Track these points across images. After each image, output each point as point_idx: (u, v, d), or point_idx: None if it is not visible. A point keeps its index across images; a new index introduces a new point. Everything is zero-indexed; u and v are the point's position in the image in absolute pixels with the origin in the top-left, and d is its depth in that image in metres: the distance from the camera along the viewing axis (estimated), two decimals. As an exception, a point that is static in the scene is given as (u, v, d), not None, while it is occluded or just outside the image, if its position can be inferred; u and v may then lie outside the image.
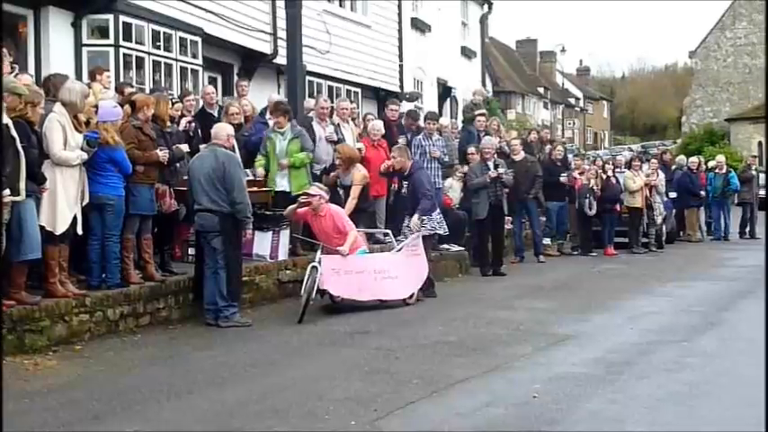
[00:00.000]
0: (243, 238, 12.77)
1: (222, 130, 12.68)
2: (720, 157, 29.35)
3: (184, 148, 13.32)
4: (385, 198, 17.01)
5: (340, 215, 13.82)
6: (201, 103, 16.24)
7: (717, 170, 27.61)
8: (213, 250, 12.19)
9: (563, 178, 21.24)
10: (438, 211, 15.35)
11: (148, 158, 12.11)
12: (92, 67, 15.03)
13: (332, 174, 15.74)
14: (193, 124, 14.68)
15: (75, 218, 10.93)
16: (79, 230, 11.09)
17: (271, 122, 15.48)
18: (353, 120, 18.04)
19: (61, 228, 10.71)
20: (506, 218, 18.90)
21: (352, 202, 15.15)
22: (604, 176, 22.44)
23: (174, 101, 14.69)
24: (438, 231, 15.21)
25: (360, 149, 16.47)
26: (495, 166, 17.85)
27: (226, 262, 12.19)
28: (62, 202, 10.72)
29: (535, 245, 20.89)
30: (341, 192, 15.69)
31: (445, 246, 17.62)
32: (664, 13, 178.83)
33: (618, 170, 23.64)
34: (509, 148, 21.01)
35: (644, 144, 75.21)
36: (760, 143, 51.70)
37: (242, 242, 12.83)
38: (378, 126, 17.40)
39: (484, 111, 21.03)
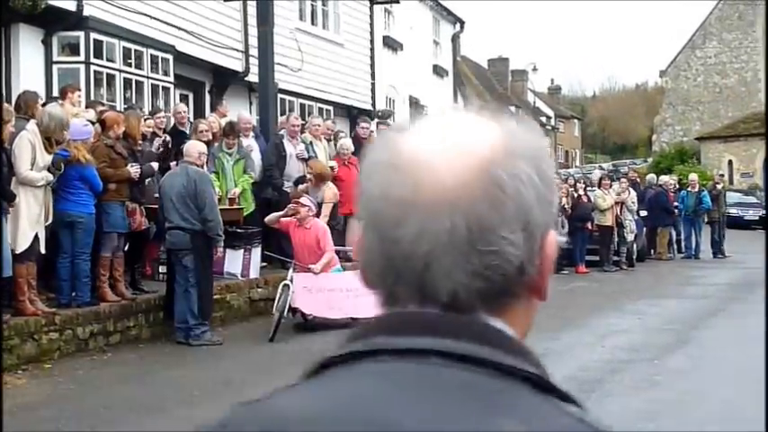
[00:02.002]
0: (214, 256, 12.73)
1: (194, 148, 12.65)
2: (693, 176, 29.50)
3: (155, 165, 13.29)
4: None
5: (325, 233, 13.79)
6: (173, 120, 16.19)
7: (689, 188, 27.76)
8: (184, 268, 12.15)
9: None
10: None
11: (120, 176, 12.07)
12: (63, 85, 14.96)
13: (300, 187, 15.66)
14: (168, 138, 14.66)
15: (37, 237, 10.85)
16: (42, 249, 11.01)
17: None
18: (330, 140, 17.99)
19: (21, 246, 10.64)
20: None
21: (323, 221, 15.13)
22: (575, 195, 22.52)
23: (146, 118, 14.66)
24: None
25: (332, 167, 16.46)
26: None
27: (197, 280, 12.15)
28: (24, 221, 10.67)
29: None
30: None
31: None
32: (634, 33, 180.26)
33: (589, 188, 23.74)
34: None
35: (615, 163, 75.58)
36: (730, 162, 52.01)
37: (213, 260, 12.79)
38: (347, 144, 17.42)
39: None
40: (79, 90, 14.36)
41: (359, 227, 1.19)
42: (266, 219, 14.16)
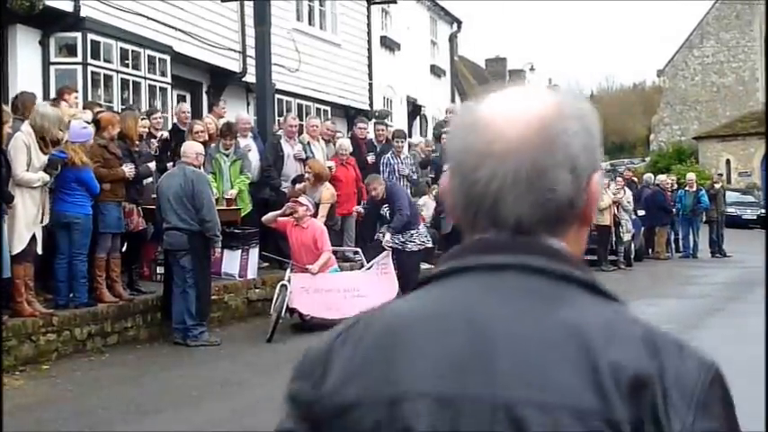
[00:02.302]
0: (212, 257, 12.71)
1: (191, 149, 12.66)
2: (691, 175, 29.50)
3: (152, 166, 13.28)
4: (354, 216, 17.00)
5: (322, 233, 13.78)
6: (174, 120, 16.20)
7: (687, 188, 27.75)
8: (182, 269, 12.14)
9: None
10: (421, 224, 15.36)
11: (114, 176, 12.05)
12: (60, 86, 14.94)
13: (297, 186, 15.63)
14: (166, 134, 14.66)
15: (34, 237, 10.84)
16: (39, 250, 11.00)
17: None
18: (329, 140, 17.95)
19: (18, 247, 10.62)
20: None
21: (320, 221, 15.13)
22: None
23: (142, 118, 14.64)
24: (428, 245, 15.22)
25: (330, 168, 16.45)
26: None
27: (194, 281, 12.14)
28: (20, 222, 10.65)
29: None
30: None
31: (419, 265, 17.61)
32: (632, 32, 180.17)
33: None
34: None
35: (613, 162, 75.53)
36: (728, 161, 52.04)
37: (211, 261, 12.77)
38: (345, 145, 17.41)
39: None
40: (76, 91, 14.35)
41: (447, 175, 1.58)
42: (263, 218, 14.14)
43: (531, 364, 1.40)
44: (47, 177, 10.89)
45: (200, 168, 12.75)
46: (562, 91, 1.65)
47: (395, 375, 1.44)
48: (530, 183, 1.48)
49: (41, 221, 10.99)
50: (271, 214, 13.97)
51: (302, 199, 13.87)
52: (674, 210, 26.80)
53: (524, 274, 1.48)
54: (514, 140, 1.49)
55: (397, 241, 14.54)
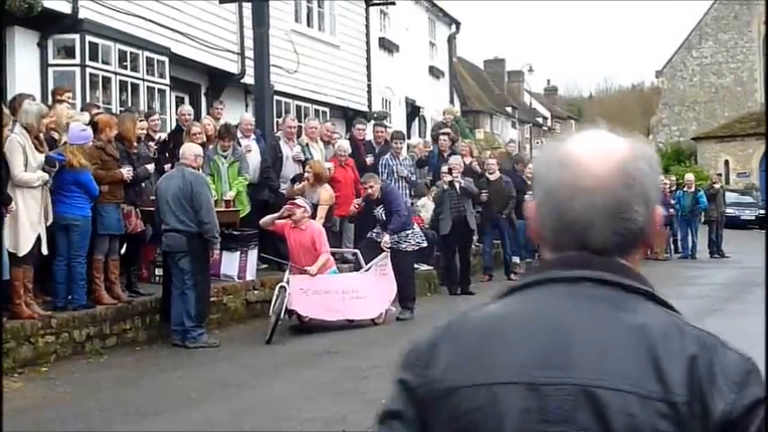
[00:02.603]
0: (211, 259, 12.69)
1: (189, 150, 12.66)
2: (689, 176, 29.52)
3: (150, 167, 13.27)
4: (355, 208, 16.97)
5: (321, 234, 13.76)
6: (175, 121, 16.18)
7: (686, 188, 27.75)
8: (180, 271, 12.13)
9: (528, 197, 21.18)
10: (415, 224, 15.35)
11: (112, 178, 12.04)
12: (55, 87, 14.92)
13: (296, 186, 15.63)
14: (164, 135, 14.65)
15: (39, 238, 10.83)
16: (44, 250, 11.00)
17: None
18: (329, 142, 17.92)
19: (24, 249, 10.62)
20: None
21: (319, 222, 15.11)
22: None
23: (140, 120, 14.63)
24: (423, 245, 15.21)
25: (328, 169, 16.44)
26: (449, 171, 17.85)
27: (193, 282, 12.13)
28: (24, 224, 10.64)
29: (506, 263, 20.89)
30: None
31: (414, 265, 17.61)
32: (630, 33, 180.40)
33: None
34: (480, 168, 21.17)
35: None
36: (726, 162, 52.08)
37: (210, 262, 12.76)
38: (344, 146, 17.39)
39: (447, 130, 21.02)
40: (68, 91, 14.21)
41: (533, 202, 1.92)
42: (261, 221, 14.12)
43: (605, 356, 1.75)
44: (46, 176, 10.88)
45: (198, 170, 12.74)
46: (633, 137, 1.96)
47: (491, 365, 1.79)
48: (615, 214, 1.83)
49: (45, 221, 10.98)
50: (268, 217, 13.94)
51: (299, 201, 13.85)
52: (672, 210, 26.77)
53: (599, 285, 1.83)
54: (601, 177, 1.83)
55: (392, 242, 14.54)
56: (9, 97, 13.18)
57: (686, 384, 1.73)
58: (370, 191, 14.89)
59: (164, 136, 15.41)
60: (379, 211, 14.89)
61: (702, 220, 28.14)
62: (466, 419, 1.78)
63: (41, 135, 11.14)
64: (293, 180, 15.90)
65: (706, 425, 1.72)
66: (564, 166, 1.86)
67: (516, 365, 1.77)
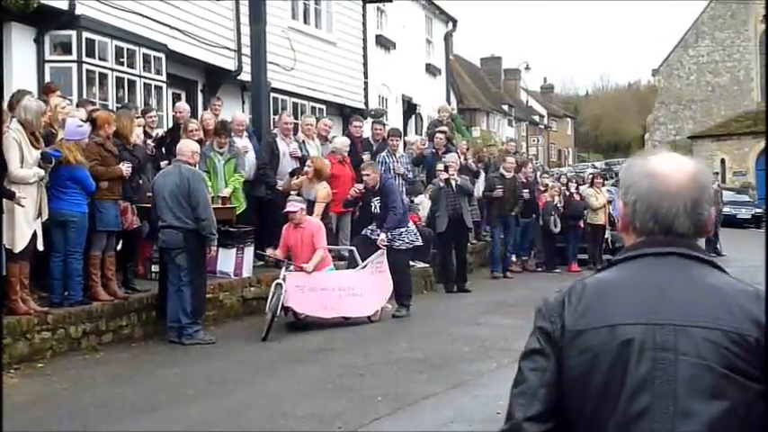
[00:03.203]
0: (207, 256, 12.69)
1: (187, 147, 12.68)
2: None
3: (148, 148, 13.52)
4: (350, 215, 16.98)
5: (320, 229, 13.80)
6: (172, 118, 16.18)
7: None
8: (177, 267, 12.14)
9: (525, 194, 21.20)
10: (410, 222, 15.35)
11: (111, 174, 12.04)
12: (47, 83, 14.87)
13: (294, 181, 15.60)
14: (161, 132, 14.63)
15: (35, 234, 10.83)
16: (40, 246, 10.99)
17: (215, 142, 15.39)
18: (326, 138, 17.91)
19: (20, 245, 10.61)
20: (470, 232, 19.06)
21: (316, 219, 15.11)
22: (567, 193, 22.52)
23: (137, 116, 14.63)
24: (416, 243, 15.21)
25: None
26: (445, 169, 17.90)
27: (190, 279, 12.15)
28: (20, 220, 10.62)
29: (504, 260, 20.96)
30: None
31: (410, 262, 17.59)
32: (627, 32, 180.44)
33: (581, 186, 23.74)
34: (476, 165, 21.29)
35: (608, 161, 75.68)
36: (723, 160, 52.14)
37: (206, 259, 12.76)
38: (345, 143, 17.40)
39: (443, 128, 21.06)
40: (54, 91, 14.09)
41: (624, 202, 2.71)
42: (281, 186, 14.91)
43: (692, 305, 2.54)
44: (42, 172, 10.87)
45: (195, 166, 12.75)
46: (693, 158, 2.80)
47: (610, 313, 2.57)
48: (693, 209, 2.64)
49: (40, 217, 10.97)
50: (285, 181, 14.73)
51: (290, 207, 13.80)
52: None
53: (681, 258, 2.63)
54: (682, 186, 2.64)
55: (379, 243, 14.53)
56: (6, 93, 13.20)
57: (751, 322, 2.50)
58: (366, 179, 14.92)
59: (161, 132, 15.41)
60: (375, 203, 14.90)
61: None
62: (592, 351, 2.55)
63: (38, 131, 11.11)
64: (292, 173, 15.88)
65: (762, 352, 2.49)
66: (654, 178, 2.67)
67: (628, 312, 2.56)
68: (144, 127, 14.63)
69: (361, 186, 15.31)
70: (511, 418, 2.64)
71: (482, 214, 21.35)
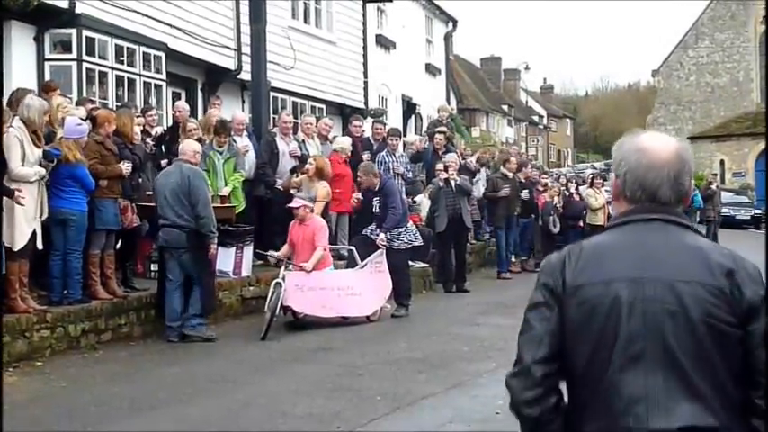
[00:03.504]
0: (209, 254, 12.67)
1: (189, 147, 12.72)
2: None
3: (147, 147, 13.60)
4: (348, 215, 16.98)
5: (321, 229, 13.82)
6: (166, 118, 16.17)
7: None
8: (181, 266, 12.18)
9: (524, 195, 21.24)
10: (410, 222, 15.34)
11: (111, 173, 12.04)
12: (47, 82, 14.86)
13: (294, 179, 15.59)
14: (161, 130, 14.61)
15: (34, 233, 10.82)
16: (39, 245, 10.98)
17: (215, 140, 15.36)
18: (326, 138, 17.90)
19: (19, 244, 10.61)
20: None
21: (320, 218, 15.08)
22: (567, 194, 22.52)
23: (137, 115, 14.63)
24: (415, 243, 15.19)
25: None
26: (445, 169, 17.93)
27: (199, 277, 12.26)
28: (20, 218, 10.61)
29: (505, 259, 21.00)
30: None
31: (410, 262, 17.58)
32: (627, 33, 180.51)
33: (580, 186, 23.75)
34: (475, 165, 21.33)
35: (607, 162, 75.56)
36: (722, 161, 52.16)
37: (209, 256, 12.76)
38: (349, 142, 17.45)
39: (443, 129, 21.06)
40: (56, 88, 14.08)
41: (616, 174, 3.13)
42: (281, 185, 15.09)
43: (677, 263, 2.96)
44: (43, 171, 10.87)
45: (197, 166, 12.75)
46: (676, 137, 3.32)
47: (604, 270, 3.00)
48: (674, 182, 3.07)
49: (40, 216, 10.97)
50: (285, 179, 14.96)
51: (294, 203, 13.86)
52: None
53: (665, 223, 3.06)
54: (666, 160, 3.07)
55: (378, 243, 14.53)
56: (6, 92, 13.20)
57: (726, 278, 2.92)
58: (359, 180, 15.02)
59: (160, 131, 15.42)
60: (375, 203, 14.92)
61: (698, 219, 28.21)
62: (589, 303, 2.99)
63: (40, 130, 11.11)
64: (292, 171, 15.87)
65: (741, 304, 2.91)
66: (642, 153, 3.09)
67: (622, 269, 2.99)
68: (144, 125, 14.63)
69: (359, 195, 15.38)
70: (521, 362, 3.10)
71: (482, 215, 21.39)
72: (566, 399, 3.11)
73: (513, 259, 21.74)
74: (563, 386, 3.10)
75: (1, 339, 9.44)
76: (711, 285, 2.90)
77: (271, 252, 13.96)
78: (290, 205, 13.93)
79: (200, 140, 15.11)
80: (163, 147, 14.91)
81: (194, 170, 12.45)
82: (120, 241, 12.82)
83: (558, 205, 22.11)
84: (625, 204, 3.13)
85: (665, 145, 3.10)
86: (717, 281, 2.90)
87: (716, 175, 39.75)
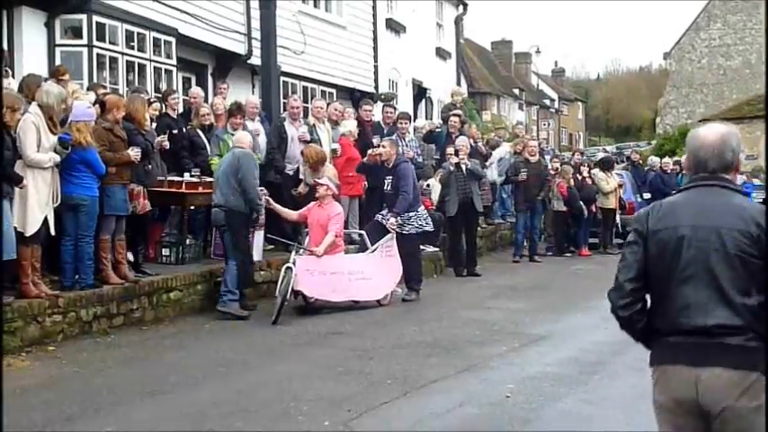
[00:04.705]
0: (256, 222, 13.61)
1: (245, 137, 13.59)
2: (684, 158, 29.40)
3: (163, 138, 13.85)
4: (358, 199, 16.99)
5: (337, 215, 13.88)
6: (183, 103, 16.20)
7: (684, 171, 27.68)
8: (224, 243, 13.19)
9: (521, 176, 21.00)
10: (422, 207, 15.31)
11: (120, 159, 12.05)
12: (57, 66, 14.85)
13: (299, 188, 15.60)
14: (166, 143, 14.59)
15: (46, 219, 10.85)
16: (52, 231, 11.02)
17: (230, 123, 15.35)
18: (336, 122, 17.85)
19: (32, 229, 10.64)
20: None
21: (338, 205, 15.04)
22: (579, 177, 22.44)
23: (151, 101, 14.64)
24: (426, 228, 15.15)
25: (335, 150, 16.41)
26: (456, 153, 17.92)
27: (234, 255, 12.87)
28: (33, 204, 10.65)
29: (533, 245, 21.01)
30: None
31: (420, 246, 17.57)
32: (638, 15, 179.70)
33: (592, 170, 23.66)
34: (487, 148, 21.38)
35: (618, 145, 75.40)
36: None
37: (249, 236, 13.46)
38: (354, 123, 17.52)
39: (458, 112, 21.03)
40: (66, 72, 14.04)
41: (686, 155, 4.81)
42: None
43: (721, 214, 4.38)
44: (57, 158, 10.90)
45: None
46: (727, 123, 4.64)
47: (674, 219, 4.45)
48: (719, 156, 4.50)
49: (54, 202, 11.00)
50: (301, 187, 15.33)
51: (324, 179, 13.97)
52: (674, 192, 26.69)
53: (718, 187, 4.46)
54: (711, 141, 4.53)
55: (389, 227, 14.52)
56: (17, 77, 13.22)
57: (757, 226, 4.30)
58: (382, 150, 14.95)
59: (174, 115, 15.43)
60: (387, 181, 14.90)
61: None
62: (663, 242, 4.44)
63: (56, 116, 11.13)
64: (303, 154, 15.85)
65: (763, 244, 4.27)
66: (695, 137, 4.59)
67: (684, 219, 4.43)
68: (166, 110, 14.82)
69: (378, 150, 15.25)
70: (617, 281, 4.65)
71: (493, 198, 21.40)
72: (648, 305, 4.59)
73: (525, 243, 21.69)
74: (647, 297, 4.58)
75: (1, 339, 9.43)
76: (744, 230, 4.31)
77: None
78: (317, 180, 14.00)
79: (210, 126, 15.15)
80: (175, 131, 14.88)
81: (246, 152, 13.14)
82: (130, 227, 12.80)
83: (571, 188, 21.95)
84: (691, 174, 4.62)
85: (712, 131, 4.58)
86: (748, 228, 4.31)
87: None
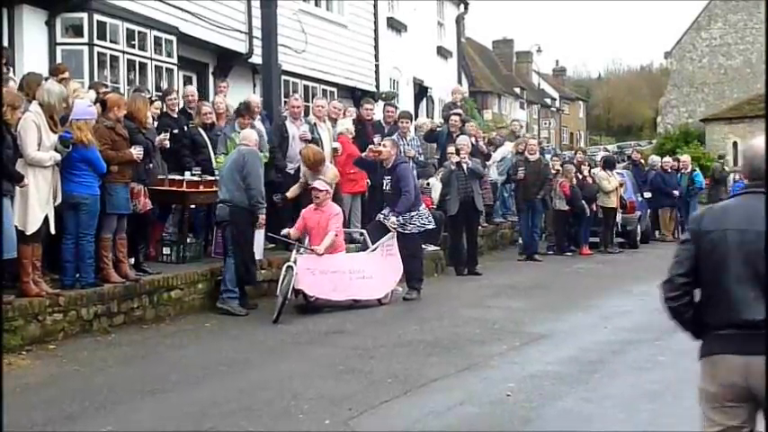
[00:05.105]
0: (257, 224, 13.37)
1: (252, 135, 13.74)
2: (685, 157, 29.45)
3: (164, 137, 13.81)
4: (360, 196, 16.99)
5: (337, 215, 13.90)
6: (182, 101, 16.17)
7: (682, 170, 27.76)
8: (225, 240, 13.22)
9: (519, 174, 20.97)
10: (423, 205, 15.29)
11: (122, 158, 12.05)
12: (57, 64, 14.86)
13: (293, 189, 15.53)
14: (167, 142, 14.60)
15: (47, 217, 10.85)
16: (52, 230, 11.01)
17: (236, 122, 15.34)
18: (337, 120, 17.84)
19: (32, 227, 10.64)
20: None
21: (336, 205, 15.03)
22: (580, 176, 22.43)
23: (152, 99, 14.65)
24: (429, 226, 15.14)
25: (336, 149, 16.41)
26: (457, 152, 17.92)
27: (234, 251, 12.92)
28: (34, 202, 10.65)
29: (533, 243, 21.00)
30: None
31: (422, 246, 17.56)
32: (639, 14, 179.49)
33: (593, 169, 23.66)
34: (487, 147, 21.35)
35: (619, 144, 75.32)
36: (735, 143, 51.93)
37: (252, 233, 13.34)
38: (350, 121, 17.56)
39: (459, 111, 21.03)
40: (66, 70, 14.06)
41: (742, 162, 5.25)
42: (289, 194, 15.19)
43: (764, 219, 4.67)
44: (58, 156, 10.89)
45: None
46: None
47: (723, 223, 4.86)
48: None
49: (54, 201, 11.00)
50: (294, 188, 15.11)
51: (318, 184, 13.89)
52: (677, 192, 26.74)
53: (759, 194, 4.80)
54: (761, 152, 4.90)
55: (390, 226, 14.51)
56: (18, 76, 13.21)
57: None
58: (382, 148, 14.91)
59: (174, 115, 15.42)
60: (386, 181, 14.89)
61: (706, 200, 28.13)
62: (714, 242, 4.82)
63: (56, 115, 11.13)
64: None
65: None
66: (750, 148, 4.99)
67: (733, 222, 4.81)
68: (166, 109, 14.79)
69: (378, 147, 15.19)
70: (669, 274, 5.00)
71: (495, 198, 21.40)
72: (697, 298, 5.00)
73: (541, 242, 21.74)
74: (696, 292, 4.99)
75: (1, 338, 9.43)
76: None
77: (285, 230, 13.95)
78: (314, 185, 13.95)
79: (212, 125, 15.14)
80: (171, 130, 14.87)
81: (251, 150, 13.30)
82: (131, 225, 12.79)
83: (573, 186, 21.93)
84: (747, 181, 5.00)
85: (762, 144, 4.94)
86: None
87: (723, 156, 39.66)
